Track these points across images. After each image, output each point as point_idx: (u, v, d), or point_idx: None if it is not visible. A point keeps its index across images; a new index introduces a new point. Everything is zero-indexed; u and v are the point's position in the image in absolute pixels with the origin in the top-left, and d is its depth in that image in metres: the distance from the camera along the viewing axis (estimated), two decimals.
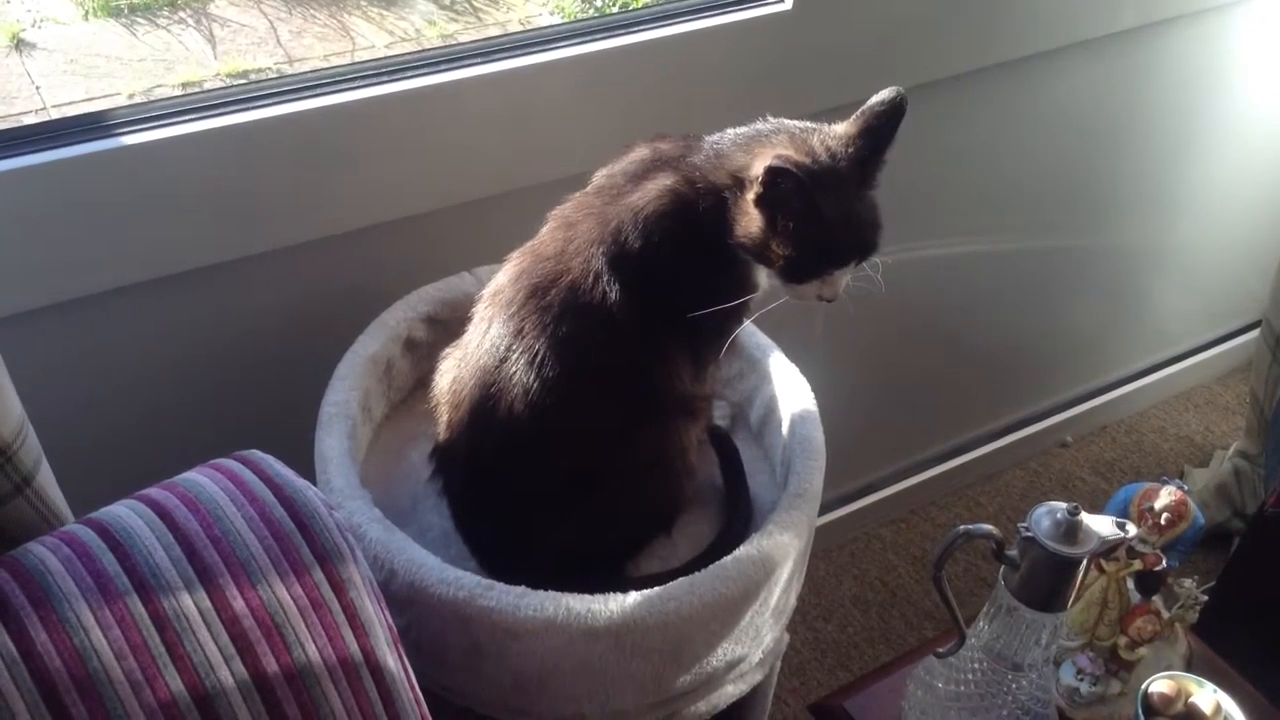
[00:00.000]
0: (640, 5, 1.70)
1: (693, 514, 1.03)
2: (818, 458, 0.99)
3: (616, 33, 1.16)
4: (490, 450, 0.93)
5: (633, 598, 0.85)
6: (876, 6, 1.28)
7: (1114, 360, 2.13)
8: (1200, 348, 2.24)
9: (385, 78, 1.06)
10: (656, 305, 0.89)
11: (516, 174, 1.15)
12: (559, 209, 0.95)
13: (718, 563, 0.88)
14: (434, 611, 0.85)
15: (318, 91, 1.04)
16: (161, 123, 0.98)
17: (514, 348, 0.90)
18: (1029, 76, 1.51)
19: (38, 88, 1.72)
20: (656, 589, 0.86)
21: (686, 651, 0.89)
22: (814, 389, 1.05)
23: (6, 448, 0.63)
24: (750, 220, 0.87)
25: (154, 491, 0.67)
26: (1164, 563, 1.07)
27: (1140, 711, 0.98)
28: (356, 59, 1.69)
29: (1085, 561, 0.88)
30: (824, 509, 1.81)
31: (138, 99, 1.66)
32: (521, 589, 0.84)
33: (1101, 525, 0.89)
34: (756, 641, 0.96)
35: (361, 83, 1.05)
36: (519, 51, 1.12)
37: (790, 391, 1.05)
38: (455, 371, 0.97)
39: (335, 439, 0.96)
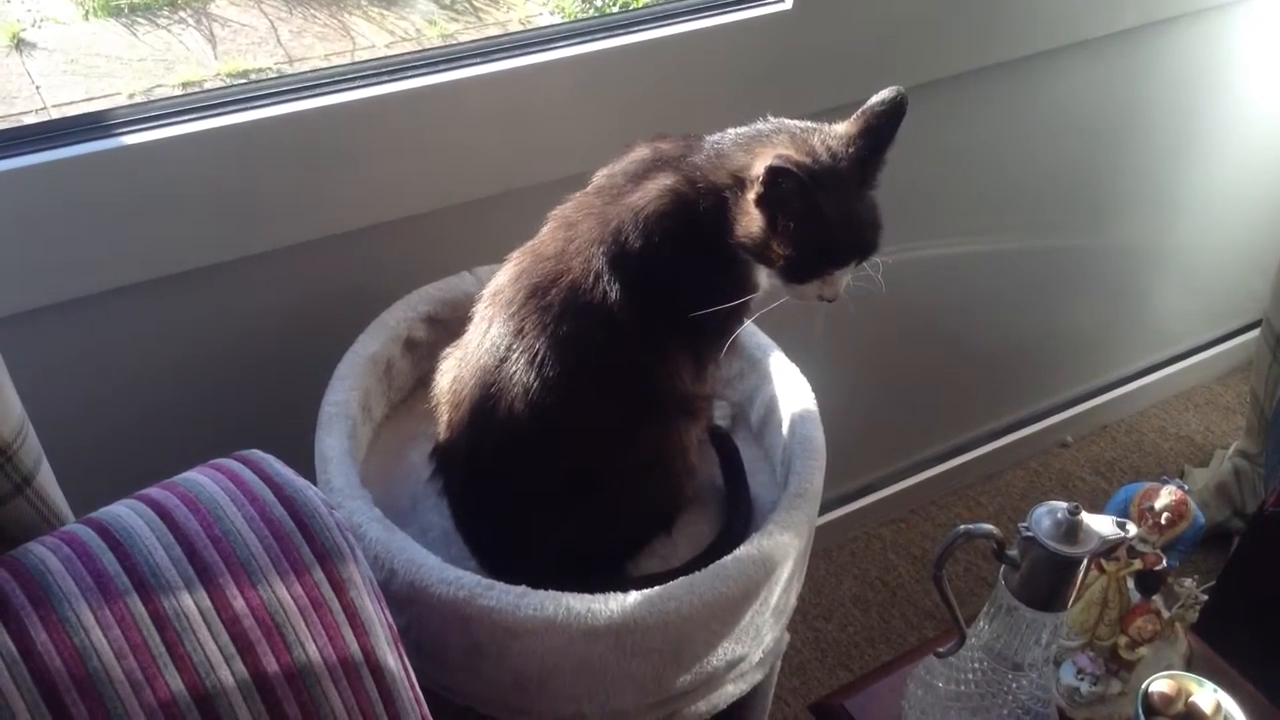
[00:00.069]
0: (640, 5, 1.70)
1: (693, 514, 1.03)
2: (818, 457, 0.99)
3: (616, 33, 1.16)
4: (490, 450, 0.93)
5: (633, 597, 0.85)
6: (876, 6, 1.28)
7: (1114, 360, 2.13)
8: (1200, 347, 2.24)
9: (385, 78, 1.06)
10: (657, 305, 0.89)
11: (516, 174, 1.15)
12: (559, 209, 0.95)
13: (718, 562, 0.88)
14: (434, 611, 0.85)
15: (318, 91, 1.04)
16: (161, 123, 0.98)
17: (514, 347, 0.90)
18: (1029, 76, 1.51)
19: (38, 87, 1.72)
20: (657, 589, 0.86)
21: (687, 651, 0.89)
22: (814, 389, 1.05)
23: (7, 447, 0.64)
24: (751, 220, 0.87)
25: (154, 491, 0.67)
26: (1164, 562, 1.07)
27: (1140, 711, 0.98)
28: (357, 59, 1.69)
29: (1085, 561, 0.88)
30: (824, 509, 1.81)
31: (138, 99, 1.66)
32: (522, 589, 0.84)
33: (1102, 525, 0.89)
34: (757, 641, 0.96)
35: (361, 83, 1.05)
36: (519, 51, 1.12)
37: (791, 391, 1.05)
38: (455, 371, 0.97)
39: (335, 439, 0.96)
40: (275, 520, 0.66)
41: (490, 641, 0.86)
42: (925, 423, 1.89)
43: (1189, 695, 0.99)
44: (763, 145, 0.89)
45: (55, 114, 1.65)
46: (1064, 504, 0.88)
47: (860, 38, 1.30)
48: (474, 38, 1.25)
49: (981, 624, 0.95)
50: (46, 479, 0.68)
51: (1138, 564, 1.07)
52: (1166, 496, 1.08)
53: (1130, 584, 1.09)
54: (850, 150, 0.88)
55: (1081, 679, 1.07)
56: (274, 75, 1.73)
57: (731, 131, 0.92)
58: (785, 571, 0.94)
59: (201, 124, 0.98)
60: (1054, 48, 1.49)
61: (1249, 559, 1.45)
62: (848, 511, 1.86)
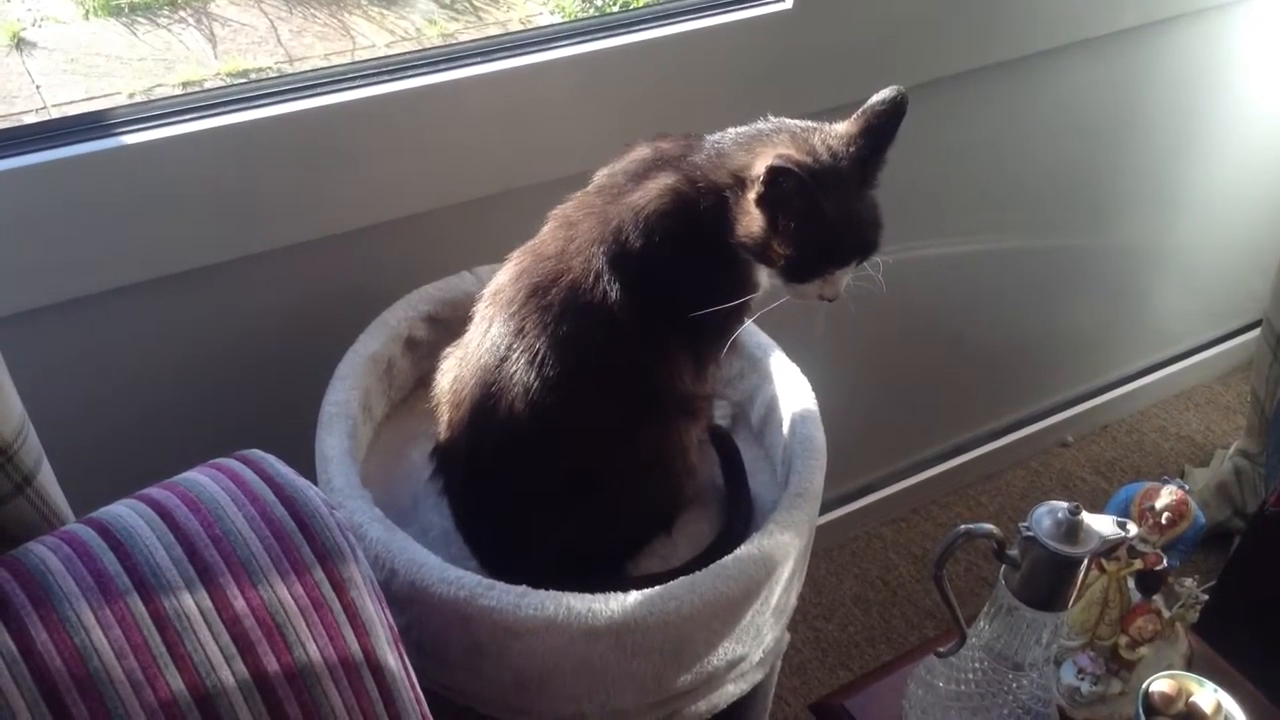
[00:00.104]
0: (640, 5, 1.69)
1: (693, 513, 1.03)
2: (818, 457, 0.99)
3: (616, 32, 1.16)
4: (491, 449, 0.93)
5: (633, 597, 0.85)
6: (876, 6, 1.28)
7: (1115, 359, 2.13)
8: (1201, 347, 2.24)
9: (385, 77, 1.06)
10: (657, 305, 0.89)
11: (516, 173, 1.15)
12: (560, 208, 0.95)
13: (718, 562, 0.88)
14: (435, 611, 0.85)
15: (318, 91, 1.04)
16: (161, 122, 0.98)
17: (515, 347, 0.90)
18: (1029, 76, 1.51)
19: (38, 87, 1.72)
20: (657, 588, 0.86)
21: (687, 651, 0.89)
22: (814, 388, 1.05)
23: (7, 447, 0.64)
24: (751, 220, 0.87)
25: (154, 491, 0.67)
26: (1164, 562, 1.07)
27: (1141, 711, 0.98)
28: (357, 58, 1.69)
29: (1086, 561, 0.88)
30: (824, 508, 1.81)
31: (138, 98, 1.66)
32: (522, 588, 0.84)
33: (1102, 525, 0.89)
34: (757, 641, 0.96)
35: (361, 82, 1.05)
36: (519, 51, 1.12)
37: (791, 391, 1.05)
38: (456, 371, 0.97)
39: (336, 438, 0.96)
40: (276, 520, 0.66)
41: (491, 641, 0.85)
42: (925, 422, 1.89)
43: (1189, 695, 0.99)
44: (763, 145, 0.89)
45: (55, 113, 1.65)
46: (1064, 504, 0.88)
47: (860, 37, 1.30)
48: (474, 37, 1.25)
49: (982, 624, 0.95)
50: (47, 479, 0.68)
51: (1138, 564, 1.07)
52: (1167, 496, 1.08)
53: (1131, 584, 1.09)
54: (851, 150, 0.88)
55: (1082, 679, 1.07)
56: (274, 75, 1.72)
57: (732, 131, 0.92)
58: (786, 571, 0.94)
59: (201, 124, 0.98)
60: (1054, 47, 1.49)
61: (1249, 559, 1.45)
62: (848, 511, 1.86)
